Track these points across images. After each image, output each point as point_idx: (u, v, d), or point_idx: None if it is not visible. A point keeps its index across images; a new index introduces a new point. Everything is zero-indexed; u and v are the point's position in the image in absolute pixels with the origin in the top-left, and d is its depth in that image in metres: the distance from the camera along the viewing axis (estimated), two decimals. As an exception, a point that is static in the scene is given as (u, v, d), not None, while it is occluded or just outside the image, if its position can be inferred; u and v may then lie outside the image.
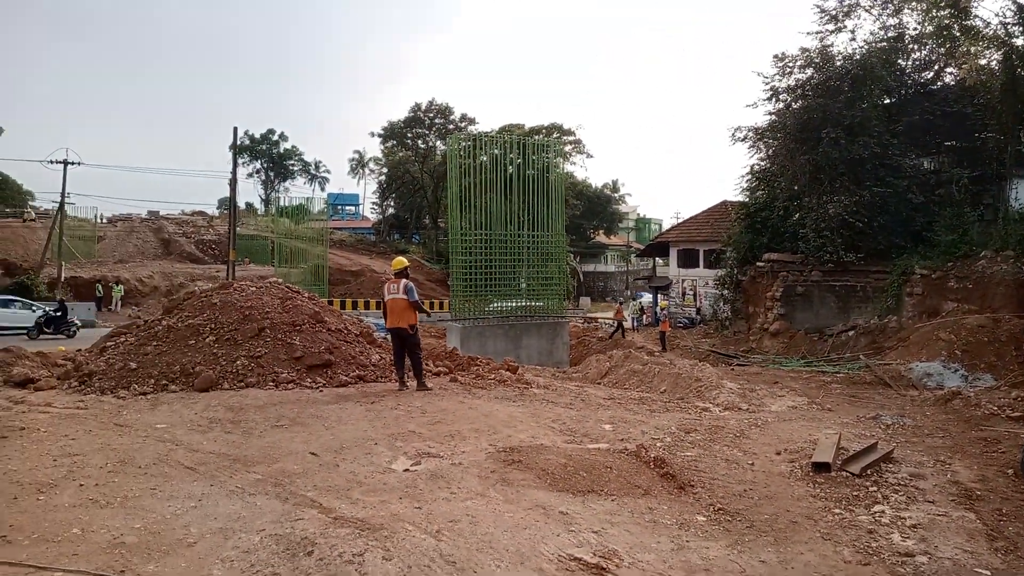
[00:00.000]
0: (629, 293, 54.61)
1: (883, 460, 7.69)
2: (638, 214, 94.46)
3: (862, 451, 7.75)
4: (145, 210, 56.94)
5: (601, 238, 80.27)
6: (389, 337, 10.73)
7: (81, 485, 5.36)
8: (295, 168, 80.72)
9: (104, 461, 6.00)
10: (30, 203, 55.27)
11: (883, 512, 6.19)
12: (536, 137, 46.21)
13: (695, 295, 36.92)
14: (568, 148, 55.70)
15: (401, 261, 10.85)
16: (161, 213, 56.73)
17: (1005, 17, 20.54)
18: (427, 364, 11.20)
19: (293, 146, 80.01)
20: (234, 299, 10.97)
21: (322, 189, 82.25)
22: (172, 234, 50.06)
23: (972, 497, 6.75)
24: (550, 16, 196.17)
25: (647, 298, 42.31)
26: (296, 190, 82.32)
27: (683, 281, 38.13)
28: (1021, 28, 20.58)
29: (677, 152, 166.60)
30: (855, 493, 6.69)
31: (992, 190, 22.92)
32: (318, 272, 37.99)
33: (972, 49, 20.77)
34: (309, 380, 9.81)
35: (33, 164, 43.20)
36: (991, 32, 20.55)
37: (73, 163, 37.18)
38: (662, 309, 28.85)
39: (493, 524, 5.05)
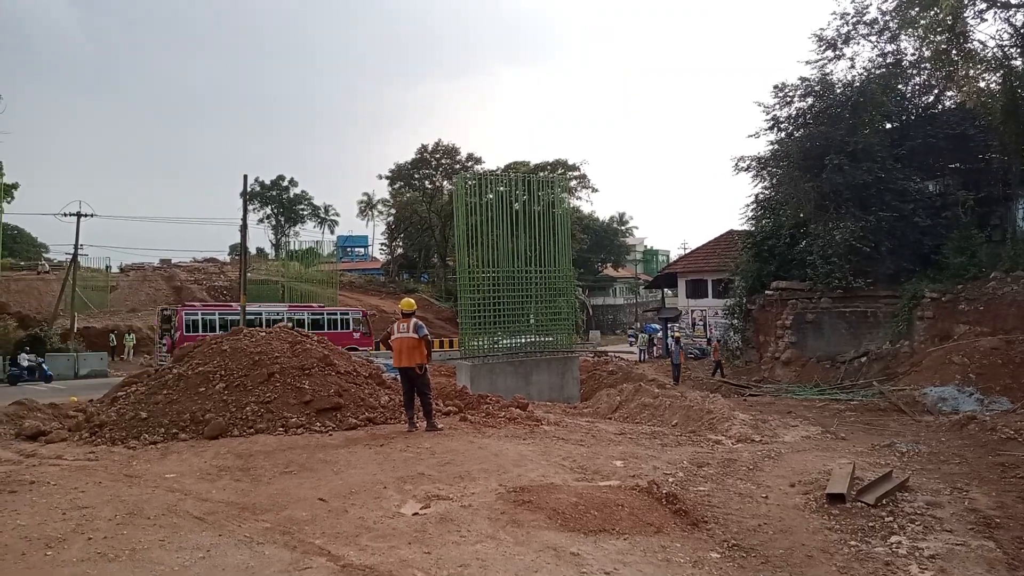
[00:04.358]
0: (639, 325, 54.38)
1: (899, 489, 7.58)
2: (645, 246, 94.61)
3: (877, 480, 7.65)
4: (157, 259, 57.58)
5: (609, 271, 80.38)
6: (399, 377, 10.74)
7: (90, 539, 5.36)
8: (305, 212, 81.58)
9: (113, 513, 6.00)
10: (44, 256, 56.02)
11: (900, 543, 6.10)
12: (541, 174, 46.67)
13: (705, 325, 36.76)
14: (573, 183, 56.26)
15: (410, 303, 10.92)
16: (173, 261, 57.33)
17: (1002, 40, 20.77)
18: (437, 403, 11.18)
19: (303, 191, 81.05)
20: (244, 345, 11.02)
21: (331, 232, 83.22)
22: (184, 281, 50.48)
23: (991, 525, 6.63)
24: (551, 55, 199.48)
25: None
26: (306, 234, 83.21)
27: (692, 312, 38.00)
28: (1019, 50, 20.76)
29: (683, 182, 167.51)
30: (871, 524, 6.59)
31: (998, 211, 22.91)
32: (328, 314, 38.10)
33: (971, 72, 20.92)
34: (319, 424, 9.80)
35: (47, 218, 44.04)
36: (989, 55, 20.71)
37: (86, 215, 37.71)
38: (675, 340, 28.72)
39: (503, 568, 5.00)
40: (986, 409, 13.81)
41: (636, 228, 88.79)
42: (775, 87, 25.23)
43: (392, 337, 10.42)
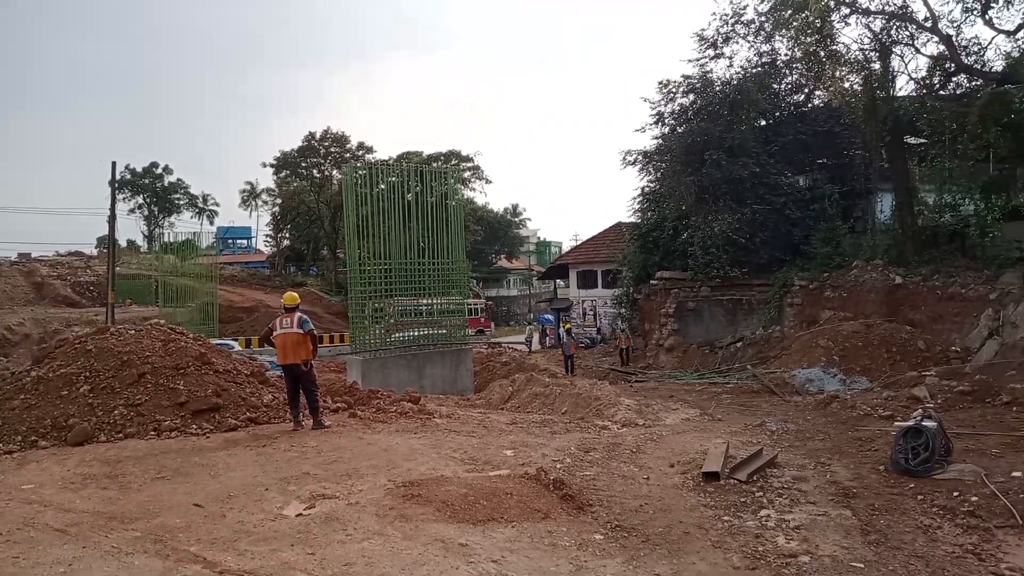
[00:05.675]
0: (532, 316, 55.17)
1: (768, 465, 8.07)
2: (539, 237, 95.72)
3: (748, 458, 8.11)
4: (15, 252, 52.94)
5: (503, 263, 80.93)
6: (283, 375, 10.37)
7: (-72, 561, 4.87)
8: (181, 202, 77.39)
9: (-42, 532, 5.48)
10: None
11: (769, 516, 6.49)
12: (434, 164, 46.35)
13: (595, 315, 37.73)
14: (467, 174, 56.22)
15: (293, 297, 10.54)
16: (34, 255, 52.92)
17: (863, 44, 22.29)
18: (324, 400, 10.89)
19: (179, 179, 76.79)
20: (111, 344, 10.32)
21: (211, 223, 79.16)
22: (46, 277, 46.58)
23: (849, 495, 7.18)
24: (441, 42, 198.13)
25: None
26: (182, 225, 79.27)
27: (583, 302, 38.92)
28: (877, 54, 22.36)
29: (575, 174, 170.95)
30: (743, 500, 6.98)
31: (860, 204, 24.73)
32: (207, 310, 36.46)
33: (837, 73, 22.33)
34: (195, 426, 9.32)
35: None
36: (852, 57, 22.20)
37: (-71, 204, 34.28)
38: (566, 331, 29.35)
39: (390, 563, 4.96)
40: (848, 388, 14.86)
41: (529, 220, 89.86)
42: (660, 83, 26.05)
43: (275, 333, 10.03)
